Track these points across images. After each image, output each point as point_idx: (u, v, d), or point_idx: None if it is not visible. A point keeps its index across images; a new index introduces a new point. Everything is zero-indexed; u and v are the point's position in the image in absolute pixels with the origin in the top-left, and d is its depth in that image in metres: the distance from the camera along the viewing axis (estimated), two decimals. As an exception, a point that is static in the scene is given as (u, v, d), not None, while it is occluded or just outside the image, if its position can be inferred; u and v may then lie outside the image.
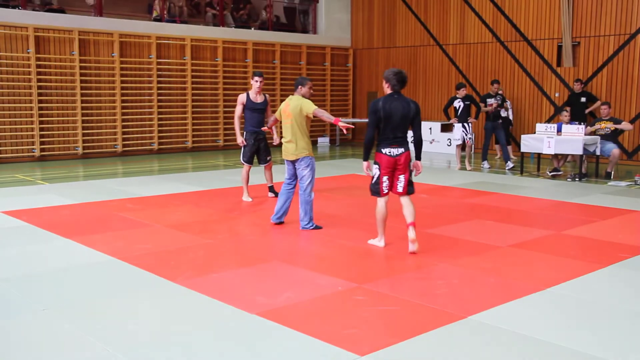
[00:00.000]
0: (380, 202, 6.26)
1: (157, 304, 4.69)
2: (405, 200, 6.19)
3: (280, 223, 7.26)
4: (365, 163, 6.34)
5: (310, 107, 6.80)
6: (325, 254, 6.17)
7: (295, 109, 6.86)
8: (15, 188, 9.80)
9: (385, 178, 6.16)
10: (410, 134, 6.24)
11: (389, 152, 6.08)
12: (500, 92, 12.79)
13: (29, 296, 4.79)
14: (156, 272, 5.40)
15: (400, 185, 6.16)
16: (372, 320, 4.34)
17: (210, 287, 5.02)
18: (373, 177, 6.25)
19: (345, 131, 6.86)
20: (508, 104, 13.77)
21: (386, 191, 6.21)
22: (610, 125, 11.22)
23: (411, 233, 6.08)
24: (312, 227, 6.99)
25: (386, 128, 6.05)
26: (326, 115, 6.79)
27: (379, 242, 6.38)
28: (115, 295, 4.86)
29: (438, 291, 4.97)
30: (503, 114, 12.85)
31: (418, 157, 6.25)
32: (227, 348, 3.88)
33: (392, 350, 3.85)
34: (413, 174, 6.25)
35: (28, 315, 4.40)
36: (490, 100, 12.47)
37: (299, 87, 6.97)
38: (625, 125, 11.27)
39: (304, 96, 6.94)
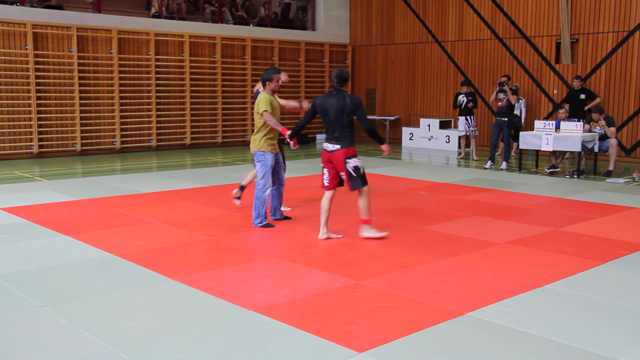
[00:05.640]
0: (324, 194, 6.53)
1: (155, 301, 4.69)
2: (359, 197, 6.41)
3: (285, 219, 7.31)
4: (290, 142, 6.68)
5: (260, 108, 6.80)
6: (323, 251, 6.18)
7: (256, 104, 6.90)
8: (13, 185, 9.79)
9: (325, 171, 6.45)
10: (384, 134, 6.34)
11: (326, 147, 6.36)
12: (504, 87, 12.40)
13: (27, 292, 4.79)
14: (154, 269, 5.40)
15: (344, 183, 6.40)
16: (371, 317, 4.35)
17: (208, 283, 5.03)
18: None
19: (292, 145, 6.75)
20: (521, 102, 13.90)
21: (327, 184, 6.47)
22: (605, 128, 11.16)
23: (363, 231, 6.38)
24: (261, 225, 6.98)
25: (325, 124, 6.35)
26: (273, 122, 6.75)
27: (319, 233, 6.53)
28: (113, 292, 4.86)
29: (436, 288, 4.98)
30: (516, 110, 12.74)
31: (381, 142, 6.43)
32: (226, 345, 3.89)
33: (390, 346, 3.86)
34: (352, 169, 6.28)
35: (26, 311, 4.40)
36: (500, 95, 12.26)
37: (267, 82, 6.85)
38: (611, 131, 11.15)
39: (273, 90, 6.88)
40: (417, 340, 3.97)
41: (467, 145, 14.62)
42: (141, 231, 6.82)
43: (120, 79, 14.26)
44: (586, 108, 13.17)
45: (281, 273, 5.39)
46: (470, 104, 13.69)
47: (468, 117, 13.69)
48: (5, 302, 4.61)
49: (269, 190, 6.97)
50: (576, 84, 13.41)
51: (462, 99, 13.70)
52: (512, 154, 13.69)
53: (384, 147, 6.48)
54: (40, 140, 13.35)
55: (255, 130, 7.00)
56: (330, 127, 6.27)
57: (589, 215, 7.76)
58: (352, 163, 6.27)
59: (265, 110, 6.74)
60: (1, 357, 3.69)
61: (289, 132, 6.70)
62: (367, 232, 6.43)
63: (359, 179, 6.31)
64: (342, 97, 6.20)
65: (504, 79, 12.49)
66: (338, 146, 6.25)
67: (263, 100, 6.80)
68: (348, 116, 6.19)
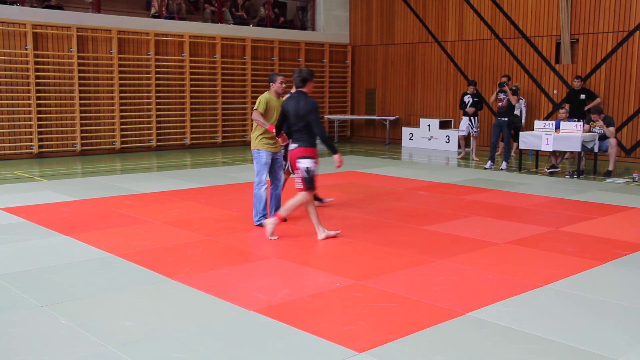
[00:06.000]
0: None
1: (154, 301, 4.69)
2: (296, 195, 6.42)
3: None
4: (279, 138, 6.84)
5: (255, 105, 6.96)
6: (323, 251, 6.18)
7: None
8: (13, 185, 9.79)
9: (296, 172, 6.49)
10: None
11: (289, 147, 6.46)
12: (504, 87, 12.35)
13: (27, 292, 4.79)
14: (154, 269, 5.40)
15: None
16: (370, 317, 4.34)
17: (208, 283, 5.03)
18: None
19: (281, 141, 6.97)
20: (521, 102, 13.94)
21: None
22: (604, 128, 11.16)
23: (270, 221, 6.38)
24: (259, 223, 7.04)
25: (289, 125, 6.43)
26: (260, 121, 6.85)
27: (318, 234, 6.52)
28: (113, 292, 4.86)
29: (436, 288, 4.98)
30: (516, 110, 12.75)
31: (333, 152, 6.36)
32: (225, 345, 3.89)
33: (390, 346, 3.86)
34: (304, 169, 6.29)
35: (26, 311, 4.40)
36: (501, 96, 12.26)
37: (270, 84, 7.06)
38: (610, 131, 11.15)
39: (276, 92, 7.04)
40: (417, 340, 3.97)
41: (467, 145, 14.64)
42: (141, 231, 6.82)
43: (120, 79, 14.26)
44: (586, 108, 13.17)
45: (281, 273, 5.39)
46: (471, 105, 13.68)
47: (472, 117, 13.76)
48: (5, 302, 4.61)
49: (264, 187, 7.02)
50: (576, 84, 13.41)
51: (468, 99, 13.75)
52: (512, 154, 13.71)
53: (336, 157, 6.40)
54: (40, 140, 13.35)
55: (252, 129, 7.14)
56: (292, 127, 6.38)
57: (589, 215, 7.76)
58: (303, 163, 6.31)
59: (255, 109, 6.91)
60: (1, 357, 3.69)
61: (274, 130, 6.81)
62: (270, 226, 6.40)
63: (306, 182, 6.32)
64: (298, 99, 6.28)
65: (504, 79, 12.53)
66: (295, 145, 6.36)
67: (259, 99, 6.99)
68: (303, 119, 6.24)
